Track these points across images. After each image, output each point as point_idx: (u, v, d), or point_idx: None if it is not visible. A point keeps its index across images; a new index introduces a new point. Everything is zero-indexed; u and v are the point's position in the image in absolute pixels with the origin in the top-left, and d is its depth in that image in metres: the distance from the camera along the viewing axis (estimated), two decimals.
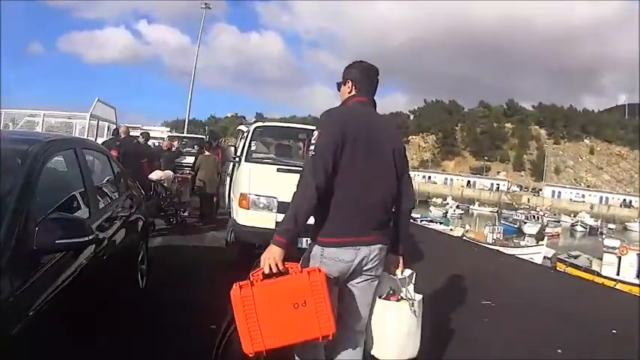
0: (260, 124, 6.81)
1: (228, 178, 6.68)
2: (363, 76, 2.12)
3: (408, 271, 2.24)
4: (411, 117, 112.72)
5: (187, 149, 13.91)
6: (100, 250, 2.48)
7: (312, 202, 1.83)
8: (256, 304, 1.76)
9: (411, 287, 2.22)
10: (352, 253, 1.93)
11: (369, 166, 1.95)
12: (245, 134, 6.41)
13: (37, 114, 10.65)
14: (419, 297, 2.21)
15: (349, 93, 2.12)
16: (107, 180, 3.50)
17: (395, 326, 2.11)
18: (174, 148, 11.25)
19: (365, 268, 1.99)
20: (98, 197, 2.94)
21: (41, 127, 10.31)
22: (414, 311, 2.13)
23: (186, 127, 29.72)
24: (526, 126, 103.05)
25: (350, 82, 2.12)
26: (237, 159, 6.05)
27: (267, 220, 4.57)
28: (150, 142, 10.35)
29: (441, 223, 29.26)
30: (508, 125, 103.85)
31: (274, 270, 1.80)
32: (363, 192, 1.93)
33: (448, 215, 44.06)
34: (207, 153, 9.23)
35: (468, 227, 26.17)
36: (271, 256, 1.80)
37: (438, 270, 5.96)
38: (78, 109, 10.13)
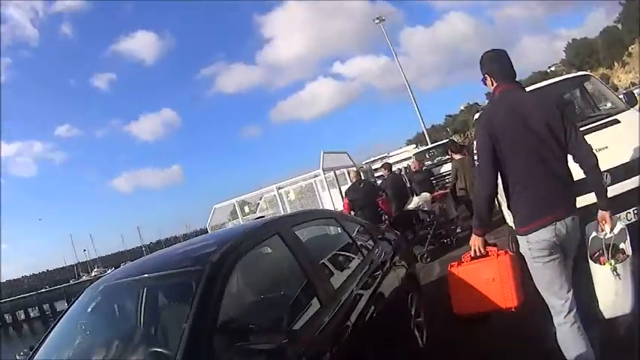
0: None
1: None
2: (495, 66, 2.28)
3: (619, 226, 2.24)
4: (619, 26, 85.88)
5: (439, 158, 13.34)
6: (357, 325, 2.23)
7: (485, 205, 2.22)
8: (460, 279, 2.58)
9: (627, 242, 2.26)
10: (550, 230, 2.07)
11: (525, 150, 2.08)
12: None
13: (282, 185, 11.38)
14: (629, 251, 2.25)
15: (492, 85, 2.29)
16: (346, 243, 3.10)
17: (601, 289, 2.27)
18: (424, 168, 10.74)
19: (571, 243, 2.15)
20: (334, 271, 2.54)
21: (279, 201, 10.84)
22: (618, 274, 2.19)
23: (427, 137, 29.31)
24: None
25: (488, 77, 2.30)
26: None
27: None
28: (397, 168, 10.05)
29: None
30: None
31: (478, 254, 2.39)
32: (529, 176, 2.10)
33: None
34: (457, 156, 8.31)
35: None
36: (475, 243, 2.38)
37: None
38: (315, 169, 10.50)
